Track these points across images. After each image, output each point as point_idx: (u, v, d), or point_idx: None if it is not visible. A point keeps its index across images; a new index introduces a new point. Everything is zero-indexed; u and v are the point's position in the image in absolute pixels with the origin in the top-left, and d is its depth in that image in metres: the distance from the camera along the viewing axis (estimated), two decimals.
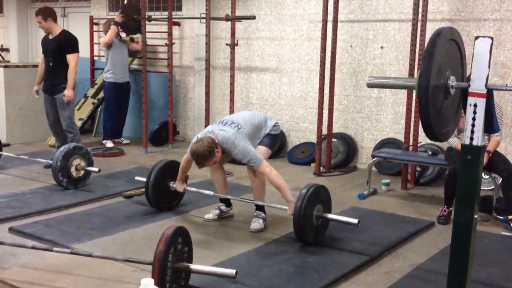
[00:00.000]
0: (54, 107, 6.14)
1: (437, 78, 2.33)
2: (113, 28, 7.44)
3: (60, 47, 5.98)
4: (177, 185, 4.57)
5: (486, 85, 2.32)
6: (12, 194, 5.09)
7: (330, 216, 4.02)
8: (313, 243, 3.93)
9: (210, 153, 4.01)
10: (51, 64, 6.06)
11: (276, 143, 4.67)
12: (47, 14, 6.01)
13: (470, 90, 2.35)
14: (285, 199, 4.07)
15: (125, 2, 7.06)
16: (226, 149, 4.15)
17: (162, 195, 4.64)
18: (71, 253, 3.43)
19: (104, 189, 5.35)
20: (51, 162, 5.47)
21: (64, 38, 6.05)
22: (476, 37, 2.32)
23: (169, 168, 4.64)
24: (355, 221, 3.92)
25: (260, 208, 4.41)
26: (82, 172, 5.39)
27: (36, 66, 7.78)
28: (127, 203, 4.97)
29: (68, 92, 5.94)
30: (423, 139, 5.78)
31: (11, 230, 4.16)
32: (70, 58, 5.96)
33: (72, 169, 5.31)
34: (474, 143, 2.37)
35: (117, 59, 7.50)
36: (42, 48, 6.22)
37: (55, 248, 3.52)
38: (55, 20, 6.09)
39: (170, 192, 4.64)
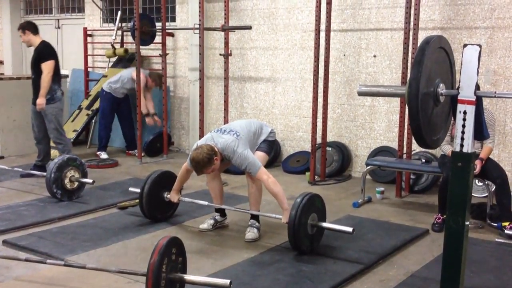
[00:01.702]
0: (39, 119, 6.13)
1: (427, 86, 2.34)
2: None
3: (36, 58, 5.97)
4: (172, 196, 4.56)
5: (475, 93, 2.34)
6: (6, 207, 5.07)
7: (324, 224, 4.03)
8: (308, 252, 3.93)
9: (209, 160, 4.04)
10: (33, 76, 6.05)
11: (273, 149, 4.79)
12: (25, 27, 6.01)
13: (459, 97, 2.37)
14: (281, 206, 4.08)
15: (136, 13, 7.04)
16: (225, 156, 4.18)
17: (156, 205, 4.62)
18: (64, 265, 3.42)
19: (98, 200, 5.33)
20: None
21: (40, 49, 6.00)
22: (465, 45, 2.34)
23: (163, 178, 4.64)
24: (349, 229, 3.93)
25: (254, 217, 4.41)
26: (76, 183, 5.38)
27: (30, 78, 7.82)
28: (121, 214, 4.96)
29: (39, 100, 5.90)
30: (416, 146, 5.79)
31: (4, 242, 4.15)
32: (43, 66, 5.91)
33: (66, 181, 5.29)
34: (464, 150, 2.39)
35: (125, 73, 7.52)
36: None
37: (48, 261, 3.51)
38: (34, 32, 6.03)
39: (165, 202, 4.63)
